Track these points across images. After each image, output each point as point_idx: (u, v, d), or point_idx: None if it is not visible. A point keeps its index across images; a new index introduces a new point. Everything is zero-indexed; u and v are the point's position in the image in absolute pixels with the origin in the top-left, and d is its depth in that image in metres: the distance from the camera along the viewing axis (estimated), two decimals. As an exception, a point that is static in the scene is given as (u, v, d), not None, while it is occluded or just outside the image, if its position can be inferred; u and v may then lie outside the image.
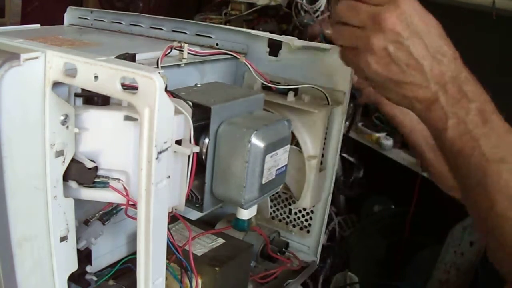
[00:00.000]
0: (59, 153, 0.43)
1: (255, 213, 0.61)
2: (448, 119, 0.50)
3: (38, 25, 0.81)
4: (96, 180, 0.46)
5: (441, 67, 0.49)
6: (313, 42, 0.73)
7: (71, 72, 0.41)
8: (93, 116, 0.46)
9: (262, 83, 0.68)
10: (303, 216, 0.81)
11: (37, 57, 0.41)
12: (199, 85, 0.60)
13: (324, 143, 0.73)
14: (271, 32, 0.80)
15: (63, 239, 0.46)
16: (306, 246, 0.80)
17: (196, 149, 0.49)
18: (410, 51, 0.48)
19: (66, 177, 0.45)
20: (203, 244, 0.64)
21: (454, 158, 0.51)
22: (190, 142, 0.48)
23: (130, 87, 0.40)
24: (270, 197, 0.80)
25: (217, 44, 0.73)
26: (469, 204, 0.52)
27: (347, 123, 0.83)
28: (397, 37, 0.48)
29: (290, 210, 0.82)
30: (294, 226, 0.82)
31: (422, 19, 0.49)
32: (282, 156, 0.58)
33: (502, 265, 0.49)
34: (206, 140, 0.54)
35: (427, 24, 0.49)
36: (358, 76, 0.62)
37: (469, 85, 0.50)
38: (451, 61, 0.50)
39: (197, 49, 0.67)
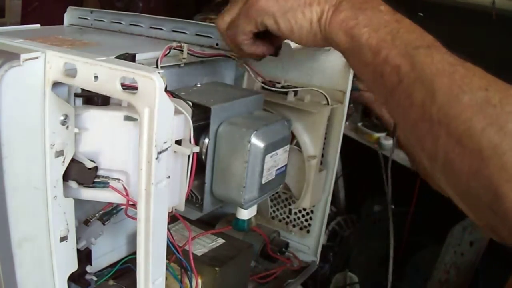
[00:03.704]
0: (59, 153, 0.43)
1: (255, 213, 0.61)
2: (358, 16, 0.46)
3: (38, 25, 0.80)
4: (96, 180, 0.46)
5: None
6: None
7: (71, 72, 0.41)
8: (93, 116, 0.46)
9: (262, 84, 0.68)
10: (303, 216, 0.81)
11: (37, 57, 0.41)
12: (199, 85, 0.60)
13: (324, 143, 0.73)
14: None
15: (63, 239, 0.46)
16: (306, 246, 0.80)
17: (196, 149, 0.49)
18: None
19: (66, 177, 0.45)
20: (203, 244, 0.64)
21: (375, 66, 0.43)
22: (190, 142, 0.48)
23: (130, 87, 0.40)
24: (270, 197, 0.80)
25: (217, 44, 0.73)
26: (405, 126, 0.42)
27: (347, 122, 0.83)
28: None
29: (290, 210, 0.82)
30: (294, 226, 0.82)
31: None
32: (282, 156, 0.58)
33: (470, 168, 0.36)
34: (206, 140, 0.54)
35: None
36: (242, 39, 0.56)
37: None
38: None
39: (197, 49, 0.67)
